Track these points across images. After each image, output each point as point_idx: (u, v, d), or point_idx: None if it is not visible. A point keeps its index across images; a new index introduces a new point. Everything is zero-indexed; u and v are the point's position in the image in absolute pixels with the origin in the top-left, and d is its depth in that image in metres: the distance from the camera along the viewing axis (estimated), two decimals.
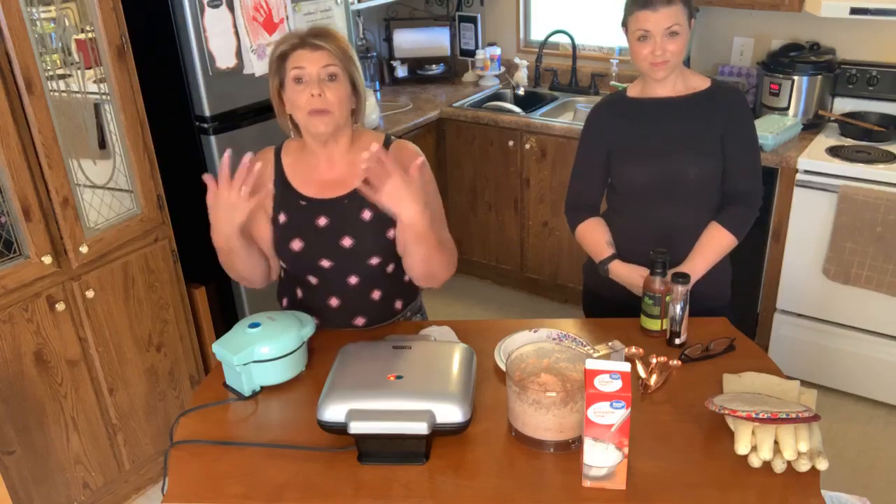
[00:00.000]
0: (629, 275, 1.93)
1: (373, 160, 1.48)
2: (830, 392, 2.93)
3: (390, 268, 1.80)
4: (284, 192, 1.78)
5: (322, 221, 1.75)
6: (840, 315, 2.82)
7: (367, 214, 1.74)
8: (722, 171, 1.91)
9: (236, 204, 1.58)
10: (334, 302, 1.80)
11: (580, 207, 2.07)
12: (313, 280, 1.80)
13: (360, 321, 1.83)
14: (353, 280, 1.77)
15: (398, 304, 1.87)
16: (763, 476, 1.32)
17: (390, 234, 1.77)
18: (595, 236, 2.02)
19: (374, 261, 1.76)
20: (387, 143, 1.78)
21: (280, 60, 1.66)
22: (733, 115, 1.90)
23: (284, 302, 1.91)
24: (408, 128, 3.43)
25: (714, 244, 1.92)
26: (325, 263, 1.76)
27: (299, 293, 1.85)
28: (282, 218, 1.78)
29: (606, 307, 2.02)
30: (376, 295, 1.82)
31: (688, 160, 1.89)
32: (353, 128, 1.76)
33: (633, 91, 1.98)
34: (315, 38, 1.64)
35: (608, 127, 1.99)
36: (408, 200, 1.51)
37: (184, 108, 2.54)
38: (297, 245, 1.75)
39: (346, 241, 1.74)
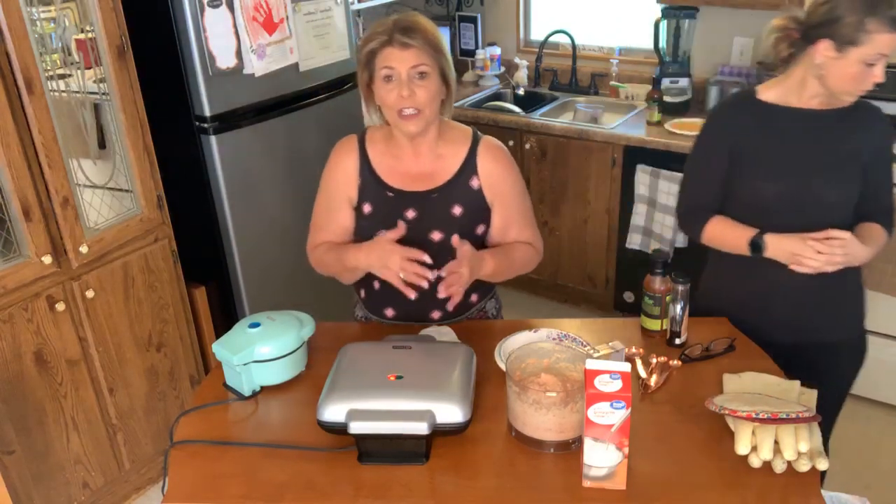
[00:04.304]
0: (789, 242, 1.69)
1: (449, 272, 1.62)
2: None
3: None
4: (370, 182, 1.76)
5: (410, 214, 1.74)
6: None
7: (457, 210, 1.74)
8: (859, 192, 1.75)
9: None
10: (412, 295, 1.74)
11: (701, 209, 1.85)
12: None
13: (436, 314, 1.82)
14: (433, 274, 1.68)
15: (474, 298, 1.86)
16: (763, 476, 1.32)
17: (479, 230, 1.77)
18: (731, 224, 1.80)
19: None
20: (475, 141, 1.77)
21: (369, 55, 1.65)
22: (878, 135, 1.77)
23: (362, 293, 1.88)
24: None
25: (876, 232, 1.76)
26: None
27: (376, 285, 1.82)
28: (366, 208, 1.76)
29: None
30: None
31: (828, 182, 1.72)
32: (442, 120, 1.75)
33: (768, 95, 1.78)
34: (404, 34, 1.60)
35: (735, 129, 1.79)
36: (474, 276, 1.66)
37: (184, 108, 2.54)
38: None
39: (436, 236, 1.73)
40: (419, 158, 1.75)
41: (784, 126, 1.74)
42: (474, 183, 1.75)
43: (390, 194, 1.75)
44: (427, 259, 1.62)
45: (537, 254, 1.85)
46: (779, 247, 1.71)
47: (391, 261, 1.61)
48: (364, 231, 1.77)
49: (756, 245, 1.73)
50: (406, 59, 1.61)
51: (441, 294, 1.61)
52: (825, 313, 1.84)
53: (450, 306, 1.67)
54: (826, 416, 1.97)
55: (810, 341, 1.83)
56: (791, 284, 1.73)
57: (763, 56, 1.80)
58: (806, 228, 1.69)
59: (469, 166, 1.75)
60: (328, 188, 1.81)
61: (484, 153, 1.76)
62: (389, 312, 1.84)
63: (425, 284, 1.62)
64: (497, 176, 1.76)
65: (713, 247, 1.86)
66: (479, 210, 1.76)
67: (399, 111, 1.64)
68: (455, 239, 1.63)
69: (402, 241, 1.69)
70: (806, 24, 1.67)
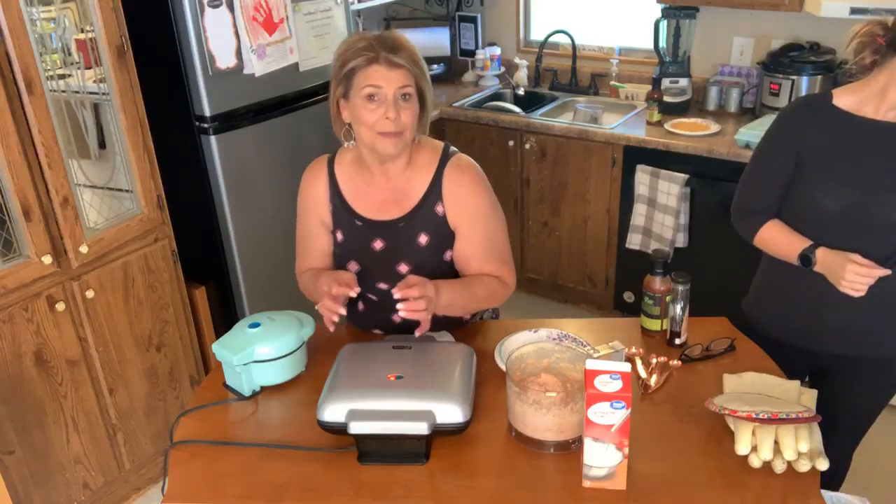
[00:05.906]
0: (835, 259, 1.62)
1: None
2: None
3: None
4: (340, 209, 1.73)
5: (378, 245, 1.70)
6: None
7: (423, 239, 1.69)
8: None
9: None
10: (396, 318, 1.76)
11: (758, 211, 1.78)
12: (373, 297, 1.77)
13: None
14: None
15: (465, 316, 1.84)
16: (763, 476, 1.32)
17: (447, 256, 1.72)
18: (786, 231, 1.73)
19: None
20: (445, 157, 1.70)
21: (350, 71, 1.58)
22: None
23: (345, 311, 1.88)
24: None
25: None
26: (383, 286, 1.72)
27: (360, 306, 1.82)
28: (339, 236, 1.74)
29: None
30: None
31: (894, 201, 1.62)
32: (413, 141, 1.68)
33: (843, 101, 1.67)
34: (392, 52, 1.55)
35: (803, 133, 1.69)
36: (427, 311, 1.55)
37: (184, 108, 2.54)
38: (353, 267, 1.72)
39: (403, 268, 1.69)
40: (389, 182, 1.69)
41: (855, 137, 1.65)
42: (439, 209, 1.68)
43: (359, 223, 1.71)
44: (353, 293, 1.55)
45: (505, 288, 1.76)
46: (825, 263, 1.64)
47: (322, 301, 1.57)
48: (338, 259, 1.75)
49: (806, 258, 1.67)
50: (394, 79, 1.55)
51: (405, 314, 1.52)
52: (880, 328, 1.76)
53: (417, 332, 1.58)
54: (858, 428, 1.96)
55: (861, 354, 1.79)
56: (845, 295, 1.63)
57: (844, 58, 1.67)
58: (864, 248, 1.61)
59: (434, 191, 1.67)
60: (303, 214, 1.79)
61: (449, 176, 1.67)
62: (377, 333, 1.83)
63: (336, 319, 1.56)
64: (460, 201, 1.67)
65: (764, 250, 1.81)
66: (445, 238, 1.70)
67: (380, 132, 1.58)
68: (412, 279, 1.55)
69: (371, 273, 1.69)
70: (895, 31, 1.57)
